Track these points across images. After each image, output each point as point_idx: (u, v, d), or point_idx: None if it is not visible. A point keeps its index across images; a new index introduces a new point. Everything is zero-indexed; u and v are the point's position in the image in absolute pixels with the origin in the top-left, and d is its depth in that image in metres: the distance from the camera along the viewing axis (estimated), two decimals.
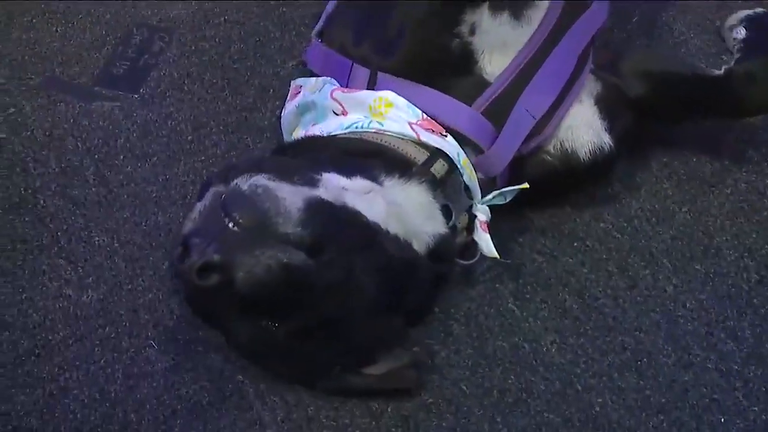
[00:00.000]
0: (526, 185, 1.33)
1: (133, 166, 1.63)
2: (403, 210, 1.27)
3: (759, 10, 1.65)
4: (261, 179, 1.16)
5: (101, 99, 1.74)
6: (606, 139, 1.43)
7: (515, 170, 1.37)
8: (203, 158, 1.63)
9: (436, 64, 1.33)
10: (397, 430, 1.28)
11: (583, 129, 1.41)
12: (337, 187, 1.21)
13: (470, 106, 1.33)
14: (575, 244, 1.47)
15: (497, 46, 1.35)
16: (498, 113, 1.34)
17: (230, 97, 1.73)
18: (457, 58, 1.34)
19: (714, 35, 1.75)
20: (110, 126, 1.69)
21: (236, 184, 1.16)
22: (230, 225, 1.13)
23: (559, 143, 1.40)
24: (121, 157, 1.64)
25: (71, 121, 1.70)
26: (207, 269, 1.10)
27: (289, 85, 1.52)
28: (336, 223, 1.17)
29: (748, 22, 1.65)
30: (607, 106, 1.43)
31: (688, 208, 1.50)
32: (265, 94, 1.72)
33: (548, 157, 1.40)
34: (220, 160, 1.63)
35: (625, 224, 1.49)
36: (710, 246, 1.45)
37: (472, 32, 1.34)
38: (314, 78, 1.43)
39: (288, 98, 1.50)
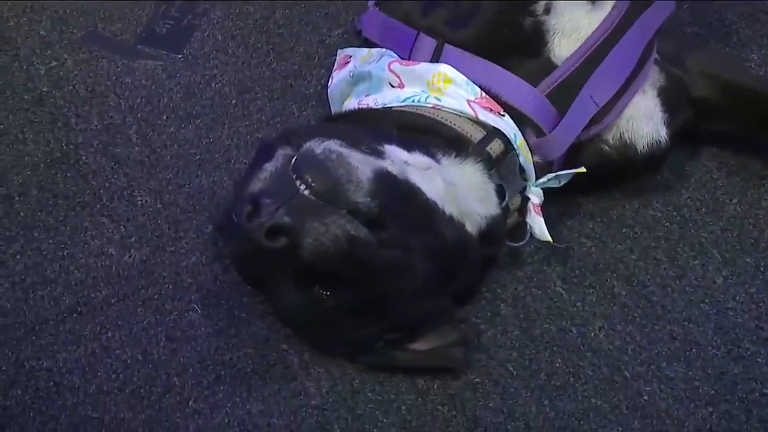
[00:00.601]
0: (582, 169, 1.31)
1: (176, 127, 1.61)
2: (459, 190, 1.25)
3: None
4: (334, 144, 1.13)
5: (144, 57, 1.71)
6: (663, 133, 1.41)
7: (571, 157, 1.36)
8: (247, 123, 1.61)
9: (507, 42, 1.31)
10: (444, 408, 1.27)
11: (643, 120, 1.39)
12: (401, 160, 1.19)
13: (535, 87, 1.31)
14: (624, 230, 1.45)
15: (569, 29, 1.33)
16: (562, 97, 1.32)
17: (275, 63, 1.71)
18: (528, 38, 1.31)
19: (765, 25, 1.72)
20: (153, 85, 1.67)
21: (309, 147, 1.13)
22: (302, 188, 1.11)
23: (618, 133, 1.38)
24: (165, 117, 1.62)
25: (114, 78, 1.67)
26: (276, 231, 1.08)
27: (335, 55, 1.50)
28: (400, 199, 1.15)
29: None
30: (668, 99, 1.41)
31: (738, 200, 1.48)
32: (310, 62, 1.70)
33: (605, 146, 1.39)
34: (265, 126, 1.61)
35: (674, 213, 1.47)
36: (760, 239, 1.43)
37: (547, 11, 1.32)
38: (366, 48, 1.41)
39: (335, 68, 1.48)
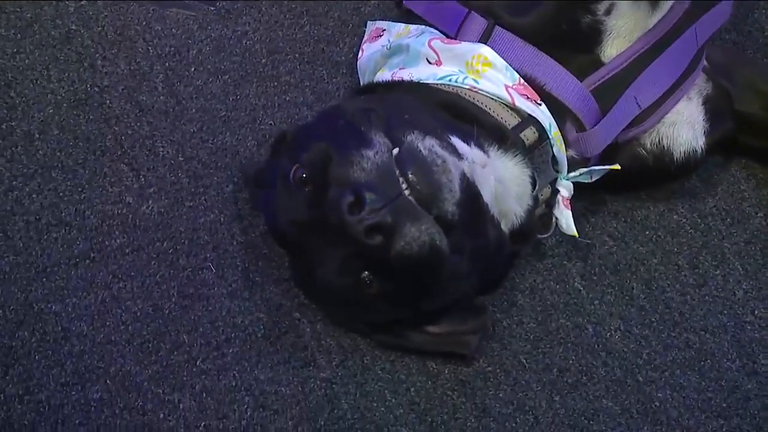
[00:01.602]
0: (617, 166, 1.30)
1: (203, 80, 1.58)
2: (505, 188, 1.23)
3: None
4: (436, 145, 1.12)
5: (176, 6, 1.68)
6: (701, 143, 1.40)
7: (606, 156, 1.34)
8: (276, 84, 1.58)
9: (561, 35, 1.28)
10: (453, 393, 1.26)
11: (685, 127, 1.38)
12: (471, 160, 1.16)
13: (581, 81, 1.28)
14: (647, 232, 1.44)
15: (625, 30, 1.30)
16: (606, 95, 1.30)
17: (308, 26, 1.67)
18: (583, 35, 1.29)
19: None
20: (183, 35, 1.63)
21: (413, 143, 1.11)
22: (405, 189, 1.09)
23: (658, 138, 1.37)
24: (192, 69, 1.59)
25: (144, 23, 1.64)
26: (375, 230, 1.07)
27: (365, 26, 1.47)
28: (469, 205, 1.13)
29: None
30: (713, 109, 1.39)
31: (765, 214, 1.47)
32: (344, 28, 1.67)
33: (643, 150, 1.37)
34: (293, 89, 1.58)
35: (699, 220, 1.46)
36: None
37: (608, 12, 1.29)
38: (402, 24, 1.38)
39: (365, 39, 1.45)
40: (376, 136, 1.13)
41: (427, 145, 1.11)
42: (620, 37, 1.30)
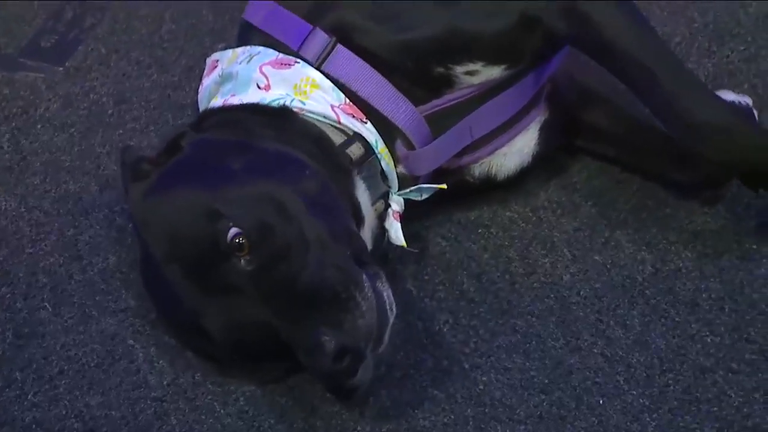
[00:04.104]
0: (444, 186, 1.35)
1: (49, 136, 1.64)
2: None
3: (744, 101, 1.51)
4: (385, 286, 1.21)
5: (25, 69, 1.75)
6: (528, 160, 1.48)
7: (436, 180, 1.39)
8: (121, 132, 1.64)
9: (408, 73, 1.34)
10: (282, 398, 1.29)
11: (515, 156, 1.46)
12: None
13: (415, 107, 1.35)
14: (480, 230, 1.48)
15: (476, 80, 1.37)
16: (440, 122, 1.36)
17: (156, 75, 1.74)
18: (432, 79, 1.35)
19: None
20: (31, 96, 1.70)
21: (381, 290, 1.19)
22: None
23: (487, 168, 1.45)
24: (39, 126, 1.65)
25: None
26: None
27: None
28: None
29: None
30: (546, 133, 1.47)
31: (594, 202, 1.51)
32: (191, 74, 1.73)
33: (470, 179, 1.45)
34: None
35: (531, 214, 1.50)
36: (611, 238, 1.47)
37: (470, 74, 1.35)
38: (231, 50, 1.43)
39: (205, 74, 1.50)
40: (368, 288, 1.17)
41: (384, 289, 1.20)
42: (469, 85, 1.36)
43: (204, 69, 1.49)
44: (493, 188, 1.50)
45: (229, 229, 1.15)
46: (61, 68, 1.75)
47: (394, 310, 1.20)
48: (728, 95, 1.52)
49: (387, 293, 1.20)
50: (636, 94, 1.35)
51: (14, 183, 1.55)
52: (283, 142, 1.28)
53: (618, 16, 1.32)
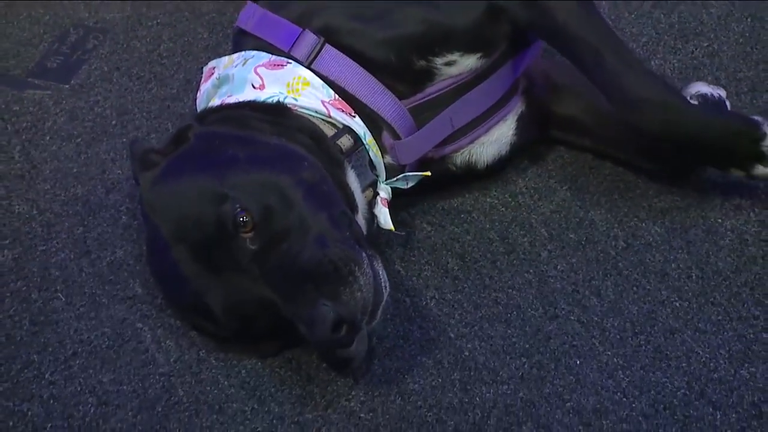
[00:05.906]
0: (428, 173, 1.47)
1: (57, 146, 1.74)
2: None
3: (717, 92, 1.63)
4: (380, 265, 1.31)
5: (33, 88, 1.86)
6: (506, 149, 1.59)
7: (420, 169, 1.50)
8: (124, 140, 1.75)
9: (391, 66, 1.44)
10: (281, 369, 1.39)
11: (494, 146, 1.57)
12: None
13: (400, 100, 1.45)
14: (462, 215, 1.58)
15: (456, 72, 1.48)
16: (423, 114, 1.47)
17: (155, 89, 1.85)
18: (414, 73, 1.46)
19: None
20: (40, 111, 1.81)
21: (377, 267, 1.29)
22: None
23: (468, 156, 1.55)
24: (47, 137, 1.76)
25: (2, 106, 1.81)
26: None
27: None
28: None
29: (701, 99, 1.62)
30: (523, 124, 1.58)
31: (569, 186, 1.61)
32: (188, 86, 1.85)
33: (453, 167, 1.56)
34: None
35: (510, 199, 1.60)
36: (585, 218, 1.56)
37: (446, 64, 1.46)
38: (227, 56, 1.54)
39: (202, 81, 1.61)
40: (367, 264, 1.26)
41: (380, 269, 1.30)
42: (449, 77, 1.48)
43: (201, 78, 1.60)
44: (474, 177, 1.60)
45: (236, 209, 1.25)
46: (66, 86, 1.86)
47: (388, 288, 1.30)
48: (703, 87, 1.64)
49: (382, 273, 1.29)
50: (584, 72, 1.46)
51: (26, 189, 1.66)
52: (281, 136, 1.39)
53: (572, 6, 1.44)
